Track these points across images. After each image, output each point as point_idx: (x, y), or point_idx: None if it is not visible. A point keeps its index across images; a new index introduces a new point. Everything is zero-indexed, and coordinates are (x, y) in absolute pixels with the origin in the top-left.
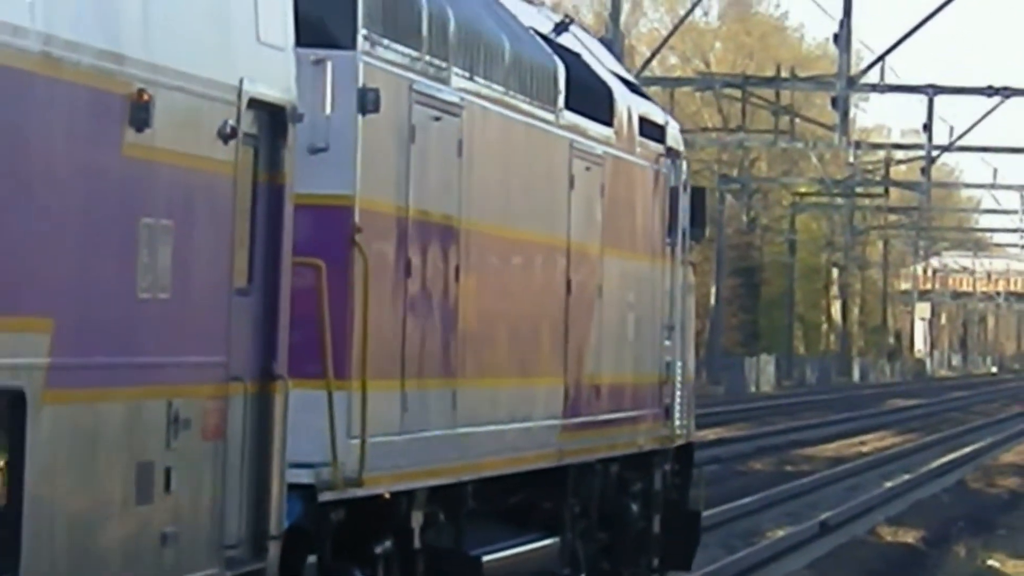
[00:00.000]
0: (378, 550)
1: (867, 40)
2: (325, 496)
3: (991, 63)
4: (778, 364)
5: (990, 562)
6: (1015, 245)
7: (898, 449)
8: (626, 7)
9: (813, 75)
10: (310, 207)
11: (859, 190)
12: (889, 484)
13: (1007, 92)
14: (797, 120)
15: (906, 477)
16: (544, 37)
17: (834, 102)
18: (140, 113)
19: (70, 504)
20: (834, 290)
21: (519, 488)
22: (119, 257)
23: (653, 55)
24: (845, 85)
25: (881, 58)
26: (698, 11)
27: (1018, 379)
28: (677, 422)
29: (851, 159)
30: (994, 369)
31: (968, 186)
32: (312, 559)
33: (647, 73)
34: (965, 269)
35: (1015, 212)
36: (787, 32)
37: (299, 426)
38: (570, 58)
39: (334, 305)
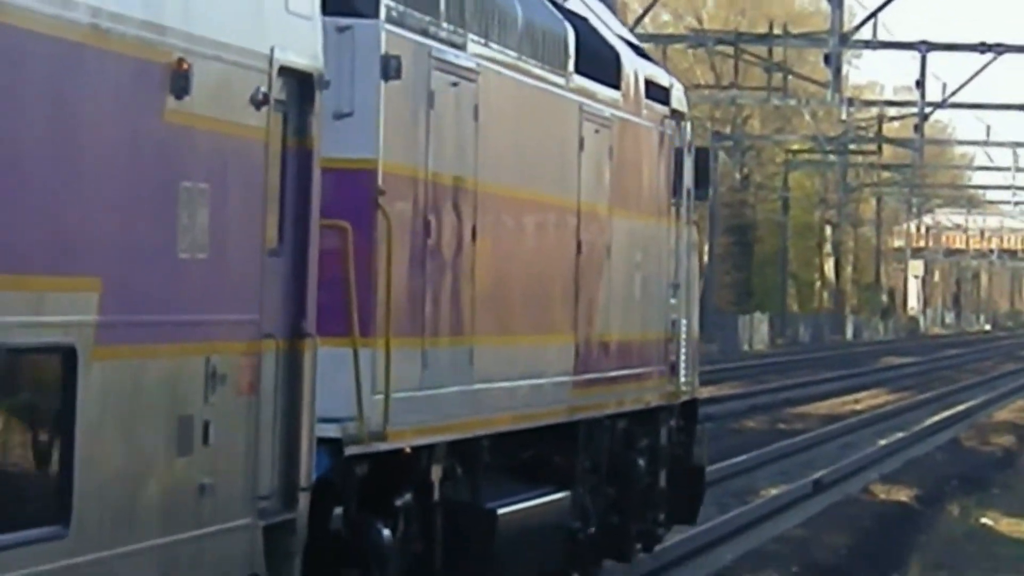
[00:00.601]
0: (399, 503)
1: None
2: (351, 450)
3: (984, 19)
4: (771, 322)
5: (984, 520)
6: (1008, 202)
7: (892, 407)
8: None
9: (805, 32)
10: (335, 170)
11: (852, 147)
12: (883, 442)
13: (1000, 48)
14: (790, 77)
15: (900, 435)
16: (552, 2)
17: (827, 59)
18: (180, 81)
19: (117, 456)
20: (827, 248)
21: (531, 443)
22: (161, 219)
23: (645, 12)
24: (838, 42)
25: (874, 15)
26: None
27: (1011, 336)
28: (682, 379)
29: (844, 116)
30: (987, 327)
31: (961, 143)
32: (338, 511)
33: (639, 30)
34: (958, 226)
35: (1008, 169)
36: None
37: (326, 382)
38: (578, 22)
39: (359, 266)
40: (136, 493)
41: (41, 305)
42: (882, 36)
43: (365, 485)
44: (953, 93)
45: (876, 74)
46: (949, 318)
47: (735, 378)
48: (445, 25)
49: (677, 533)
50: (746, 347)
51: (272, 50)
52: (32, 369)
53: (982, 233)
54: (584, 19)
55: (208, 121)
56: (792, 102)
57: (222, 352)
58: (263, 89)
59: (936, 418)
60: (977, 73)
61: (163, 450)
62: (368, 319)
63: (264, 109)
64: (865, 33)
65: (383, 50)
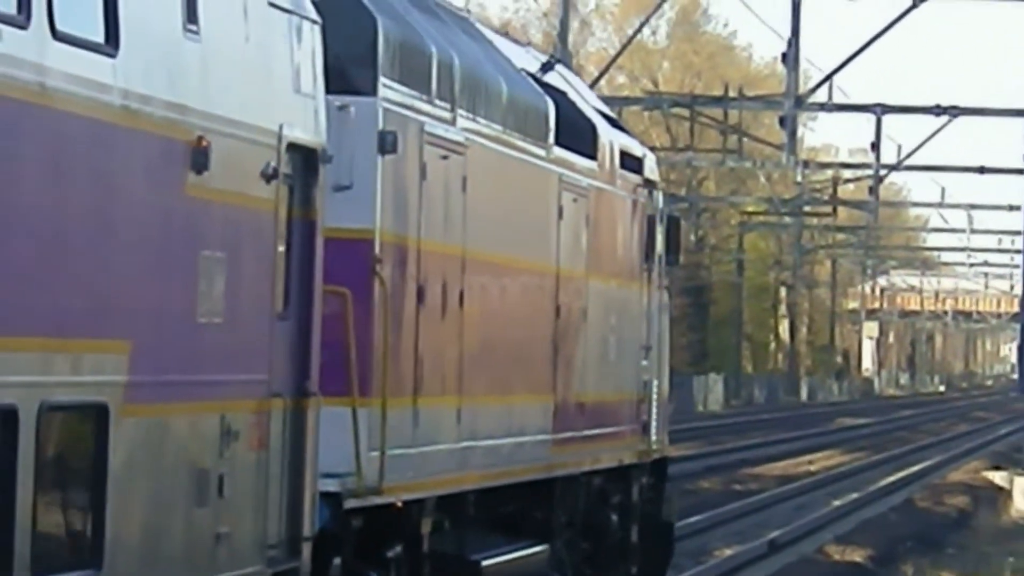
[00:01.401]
0: (391, 554)
1: (815, 59)
2: (350, 503)
3: (939, 82)
4: (726, 383)
5: None
6: (963, 264)
7: (846, 468)
8: (574, 26)
9: (761, 94)
10: (336, 240)
11: (807, 209)
12: (837, 503)
13: (955, 111)
14: (745, 139)
15: (854, 496)
16: (533, 76)
17: (782, 121)
18: (200, 157)
19: (143, 506)
20: (782, 309)
21: (513, 498)
22: (183, 286)
23: (601, 74)
24: (793, 104)
25: (829, 77)
26: (646, 30)
27: (966, 398)
28: (653, 437)
29: (799, 178)
30: (942, 388)
31: (916, 205)
32: (337, 561)
33: (595, 92)
34: (913, 288)
35: (963, 231)
36: (735, 51)
37: (326, 439)
38: (558, 96)
39: (358, 329)
40: (160, 540)
41: (78, 366)
42: (837, 98)
43: (361, 537)
44: (908, 155)
45: (831, 136)
46: (904, 379)
47: (690, 438)
48: (436, 102)
49: None
50: (701, 408)
51: (281, 127)
52: (69, 425)
53: (937, 295)
54: (563, 92)
55: (224, 194)
56: (747, 164)
57: (235, 410)
58: (272, 163)
59: (890, 479)
60: (932, 135)
61: (183, 501)
62: (366, 379)
63: (273, 182)
64: (820, 96)
65: (380, 126)
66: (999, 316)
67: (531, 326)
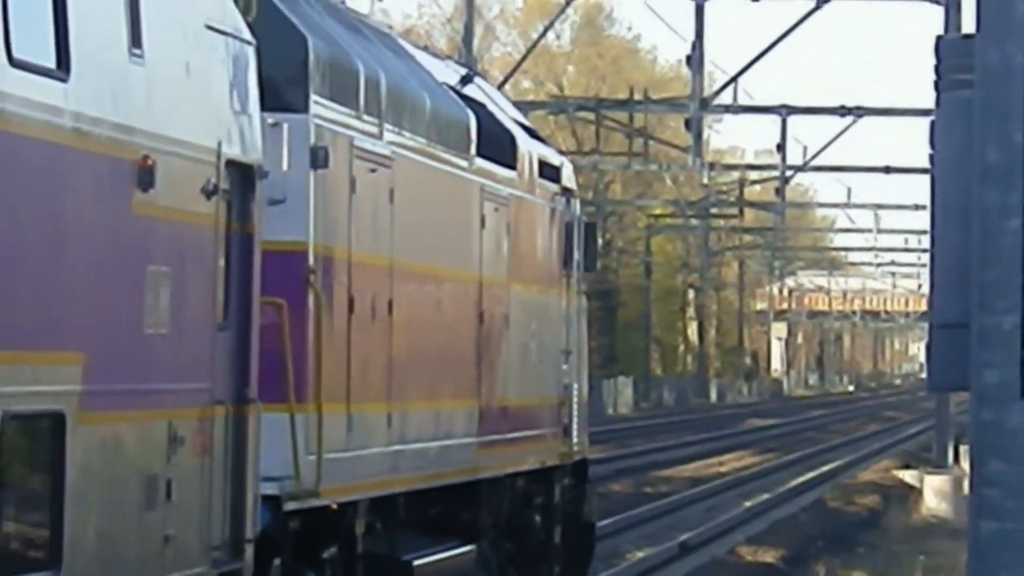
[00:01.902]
0: (326, 555)
1: (720, 62)
2: (289, 506)
3: (843, 83)
4: (635, 386)
5: None
6: (870, 264)
7: (756, 469)
8: (478, 32)
9: (666, 97)
10: (271, 252)
11: (714, 211)
12: (748, 504)
13: (860, 111)
14: (651, 142)
15: (765, 496)
16: (453, 89)
17: (687, 124)
18: (146, 176)
19: (98, 510)
20: (690, 311)
21: (441, 500)
22: (131, 299)
23: (506, 79)
24: (698, 107)
25: (734, 79)
26: (550, 35)
27: (875, 397)
28: (574, 439)
29: (705, 180)
30: (851, 387)
31: (822, 205)
32: (276, 562)
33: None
34: (820, 288)
35: (869, 231)
36: (640, 55)
37: (266, 444)
38: (478, 108)
39: (294, 338)
40: (114, 543)
41: (37, 377)
42: (743, 100)
43: (298, 538)
44: (814, 156)
45: (737, 138)
46: (812, 379)
47: (600, 442)
48: (364, 117)
49: None
50: (611, 411)
51: (220, 145)
52: (29, 432)
53: (844, 295)
54: (482, 104)
55: (168, 211)
56: (653, 167)
57: (181, 417)
58: (212, 180)
59: (801, 479)
60: (837, 136)
61: (134, 505)
62: (302, 386)
63: (213, 198)
64: (726, 98)
65: (312, 142)
66: (907, 315)
67: (456, 332)
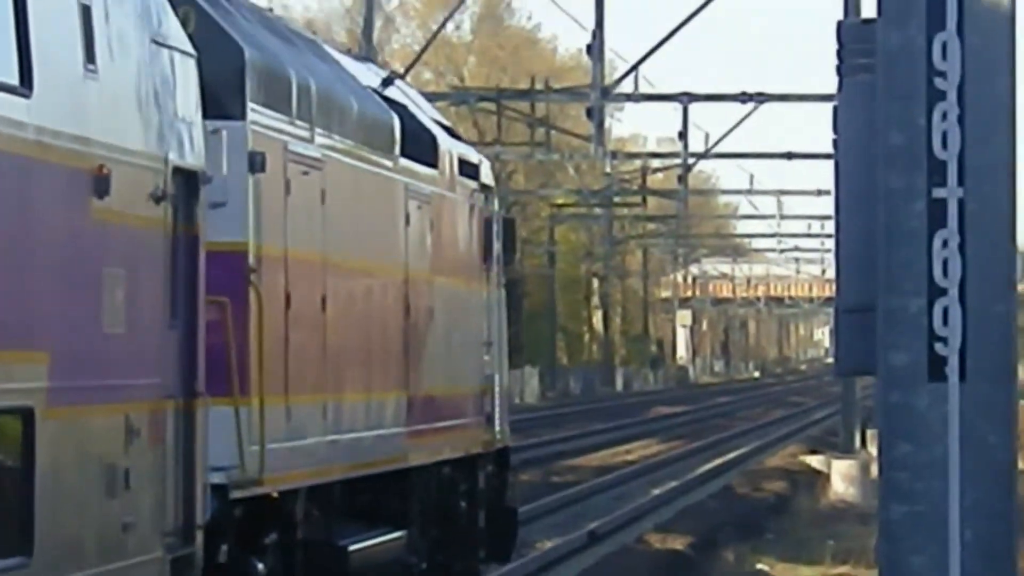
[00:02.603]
0: (267, 541)
1: (620, 50)
2: (235, 494)
3: (744, 70)
4: (541, 376)
5: (759, 566)
6: (774, 250)
7: (664, 456)
8: (378, 24)
9: (567, 86)
10: (214, 253)
11: (617, 200)
12: (656, 491)
13: (761, 98)
14: (553, 132)
15: (673, 484)
16: (377, 92)
17: (589, 113)
18: (102, 184)
19: (65, 499)
20: (595, 300)
21: (373, 488)
22: (91, 300)
23: (407, 71)
24: (599, 95)
25: (634, 68)
26: (450, 26)
27: (780, 383)
28: (497, 428)
29: (608, 169)
30: (756, 374)
31: (725, 192)
32: (223, 547)
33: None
34: (725, 275)
35: (772, 217)
36: (540, 44)
37: (212, 435)
38: (401, 110)
39: (236, 335)
40: (80, 529)
41: (9, 374)
42: (644, 89)
43: (241, 525)
44: (716, 143)
45: (639, 126)
46: (718, 366)
47: None
48: (297, 122)
49: None
50: (517, 400)
51: (167, 153)
52: (2, 427)
53: (748, 281)
54: (404, 106)
55: (122, 216)
56: (556, 156)
57: (137, 410)
58: (161, 186)
59: (708, 466)
60: (739, 123)
61: (97, 493)
62: (245, 380)
63: (162, 203)
64: (627, 86)
65: (250, 147)
66: (811, 301)
67: (385, 326)
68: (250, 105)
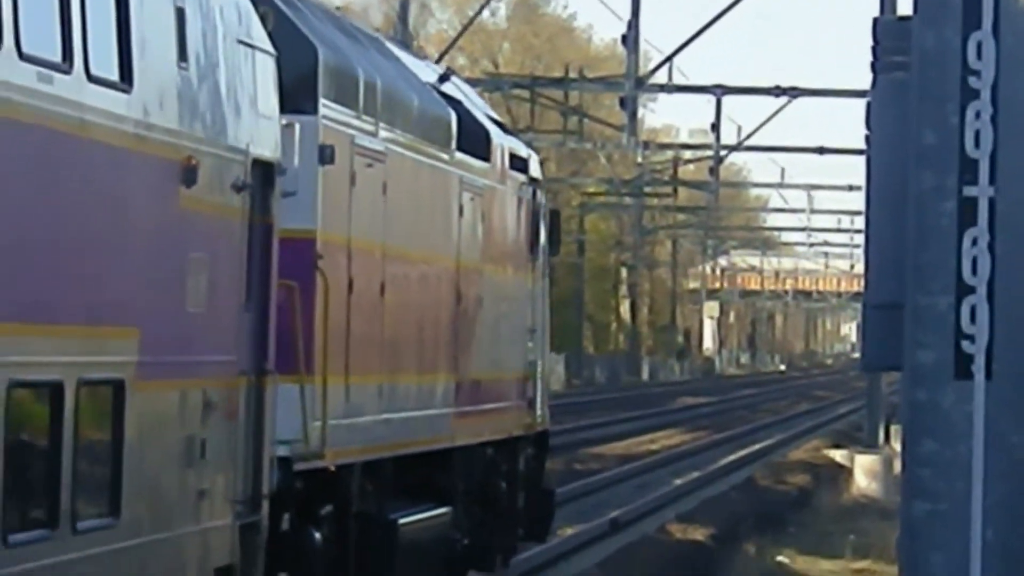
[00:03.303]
0: (323, 513)
1: (655, 41)
2: (298, 466)
3: (778, 63)
4: (568, 363)
5: (780, 558)
6: (803, 244)
7: (688, 447)
8: (414, 8)
9: (601, 76)
10: (284, 239)
11: (647, 190)
12: (679, 482)
13: (794, 92)
14: (585, 120)
15: (695, 475)
16: (434, 88)
17: (622, 102)
18: (190, 174)
19: (149, 466)
20: (623, 290)
21: (420, 466)
22: (177, 282)
23: (441, 56)
24: (633, 85)
25: (669, 59)
26: (486, 12)
27: (806, 376)
28: (538, 412)
29: (639, 159)
30: (782, 367)
31: (756, 185)
32: (286, 517)
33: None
34: (753, 268)
35: (802, 211)
36: (575, 33)
37: (279, 411)
38: (457, 106)
39: (303, 317)
40: (161, 495)
41: (104, 349)
42: (678, 80)
43: (301, 496)
44: (748, 136)
45: (672, 118)
46: (744, 359)
47: None
48: (363, 117)
49: None
50: None
51: (248, 145)
52: (97, 397)
53: (777, 274)
54: (460, 102)
55: (206, 204)
56: (588, 145)
57: (213, 386)
58: (242, 177)
59: (731, 457)
60: (772, 116)
61: (177, 462)
62: (310, 360)
63: (242, 193)
64: (661, 77)
65: (320, 141)
66: (839, 295)
67: (437, 312)
68: (322, 101)
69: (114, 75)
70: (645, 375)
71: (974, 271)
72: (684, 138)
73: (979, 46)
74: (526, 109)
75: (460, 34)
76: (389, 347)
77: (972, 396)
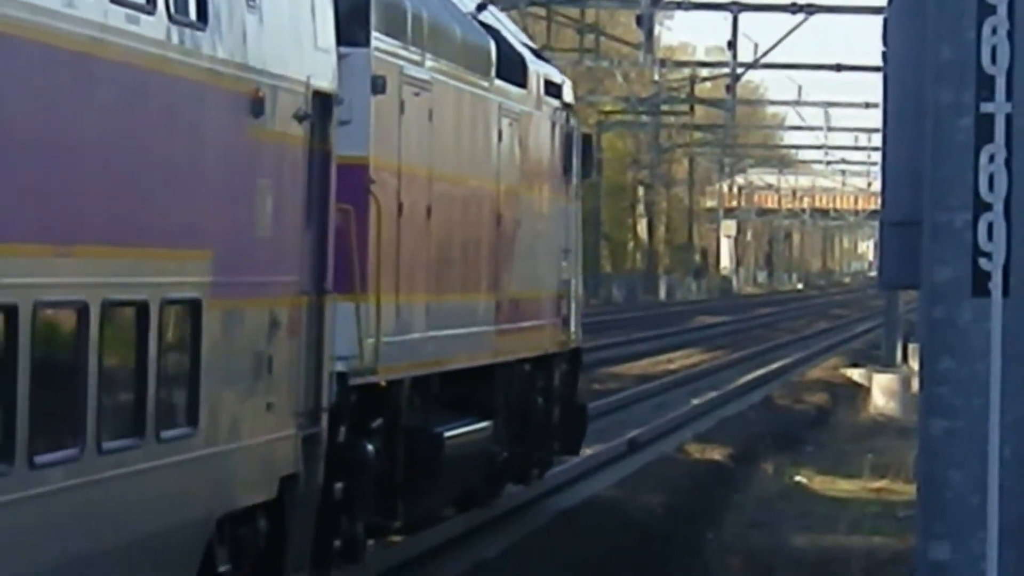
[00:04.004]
0: (375, 426)
1: None
2: (354, 381)
3: None
4: (584, 282)
5: (797, 478)
6: (820, 162)
7: (705, 367)
8: None
9: None
10: (340, 165)
11: (664, 108)
12: (696, 401)
13: (811, 9)
14: (602, 38)
15: (713, 395)
16: (473, 16)
17: (639, 20)
18: (257, 106)
19: (223, 379)
20: (640, 208)
21: (463, 381)
22: (246, 207)
23: None
24: (650, 3)
25: None
26: None
27: (823, 295)
28: (572, 329)
29: (656, 77)
30: (800, 286)
31: (773, 103)
32: (342, 429)
33: None
34: (770, 186)
35: (820, 129)
36: None
37: (335, 328)
38: (495, 34)
39: (358, 238)
40: (234, 407)
41: (182, 270)
42: None
43: (355, 410)
44: (764, 54)
45: (688, 35)
46: (761, 277)
47: None
48: (410, 48)
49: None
50: None
51: (308, 78)
52: (177, 315)
53: (794, 193)
54: (497, 31)
55: (272, 134)
56: (604, 63)
57: (279, 304)
58: (303, 108)
59: (749, 377)
60: (788, 33)
61: (247, 375)
62: (364, 280)
63: (304, 122)
64: None
65: (372, 72)
66: (856, 213)
67: (479, 234)
68: (373, 34)
69: (191, 14)
70: (662, 294)
71: (991, 188)
72: (701, 56)
73: None
74: (543, 27)
75: None
76: (435, 267)
77: (989, 313)
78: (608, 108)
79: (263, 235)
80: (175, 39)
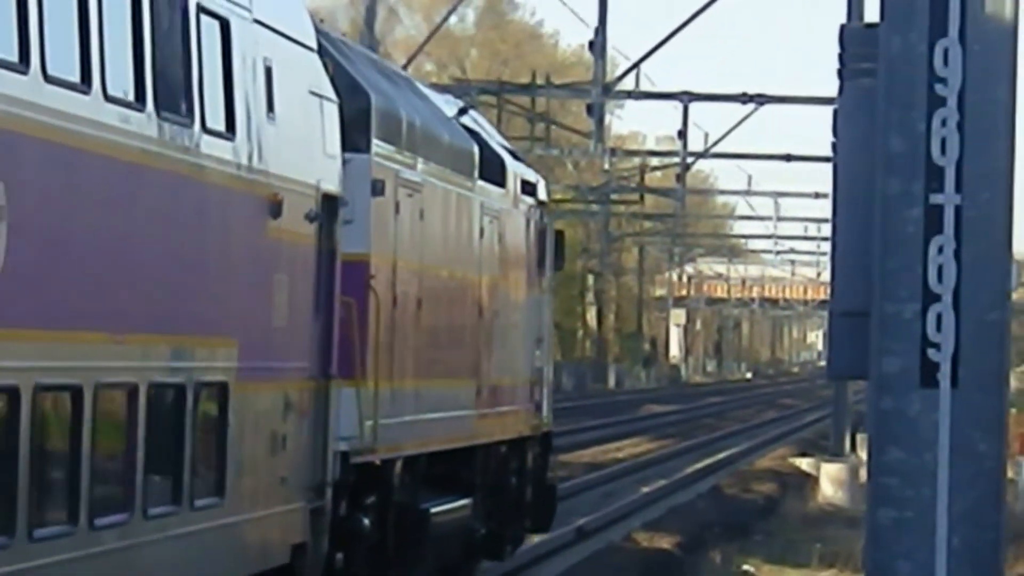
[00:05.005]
0: (368, 501)
1: (622, 47)
2: (354, 460)
3: (745, 71)
4: None
5: (745, 567)
6: (769, 251)
7: (654, 455)
8: (381, 14)
9: (568, 82)
10: (343, 262)
11: (614, 197)
12: (645, 490)
13: (761, 99)
14: (553, 127)
15: (662, 483)
16: (456, 121)
17: (589, 109)
18: (275, 208)
19: (246, 454)
20: (590, 297)
21: (446, 461)
22: (265, 299)
23: (409, 61)
24: (600, 92)
25: (636, 65)
26: (453, 18)
27: (772, 384)
28: (544, 414)
29: (607, 166)
30: (749, 375)
31: (723, 192)
32: (343, 504)
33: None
34: (720, 275)
35: (769, 218)
36: (542, 39)
37: (338, 411)
38: (477, 138)
39: (360, 328)
40: (255, 479)
41: (213, 356)
42: (644, 87)
43: (352, 487)
44: (715, 143)
45: (639, 124)
46: (711, 366)
47: None
48: (405, 153)
49: None
50: None
51: (318, 181)
52: (208, 397)
53: (743, 282)
54: (477, 133)
55: (287, 233)
56: (555, 152)
57: (292, 388)
58: (314, 209)
59: (698, 466)
60: (739, 123)
61: (266, 452)
62: (365, 366)
63: (314, 223)
64: (628, 84)
65: (372, 176)
66: (805, 303)
67: (463, 323)
68: (373, 141)
69: (221, 126)
70: (612, 382)
71: (940, 279)
72: (651, 145)
73: (946, 53)
74: (493, 115)
75: (427, 39)
76: (424, 354)
77: (938, 404)
78: (558, 196)
79: (279, 325)
80: (208, 149)
